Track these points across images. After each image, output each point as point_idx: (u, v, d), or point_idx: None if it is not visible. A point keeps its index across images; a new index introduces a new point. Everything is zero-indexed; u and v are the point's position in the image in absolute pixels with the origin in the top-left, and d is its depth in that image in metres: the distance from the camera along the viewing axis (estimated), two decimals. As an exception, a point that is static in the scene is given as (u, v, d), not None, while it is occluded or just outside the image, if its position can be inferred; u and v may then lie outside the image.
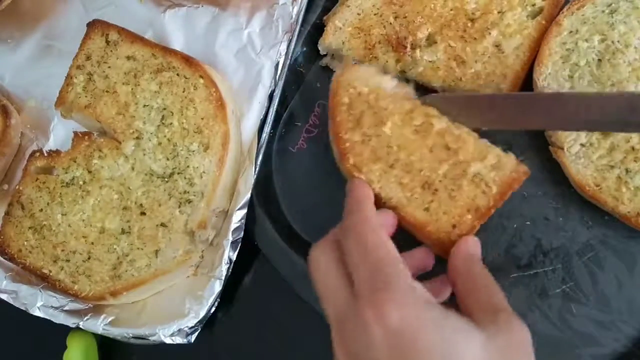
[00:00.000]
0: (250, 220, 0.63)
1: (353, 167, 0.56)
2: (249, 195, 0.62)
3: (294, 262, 0.62)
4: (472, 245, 0.51)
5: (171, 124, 0.64)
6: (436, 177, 0.55)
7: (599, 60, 0.59)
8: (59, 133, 0.71)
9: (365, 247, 0.45)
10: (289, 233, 0.64)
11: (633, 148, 0.56)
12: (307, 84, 0.69)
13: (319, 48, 0.68)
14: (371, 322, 0.40)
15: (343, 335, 0.42)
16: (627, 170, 0.56)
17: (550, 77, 0.60)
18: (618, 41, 0.59)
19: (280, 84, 0.66)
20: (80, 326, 0.62)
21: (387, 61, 0.64)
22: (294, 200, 0.65)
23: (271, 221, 0.64)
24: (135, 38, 0.67)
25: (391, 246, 0.46)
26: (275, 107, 0.65)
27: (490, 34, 0.63)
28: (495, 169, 0.55)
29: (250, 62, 0.68)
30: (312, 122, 0.67)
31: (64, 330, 0.64)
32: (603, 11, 0.60)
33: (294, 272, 0.61)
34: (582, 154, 0.58)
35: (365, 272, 0.43)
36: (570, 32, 0.61)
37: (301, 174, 0.66)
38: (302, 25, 0.67)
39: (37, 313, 0.63)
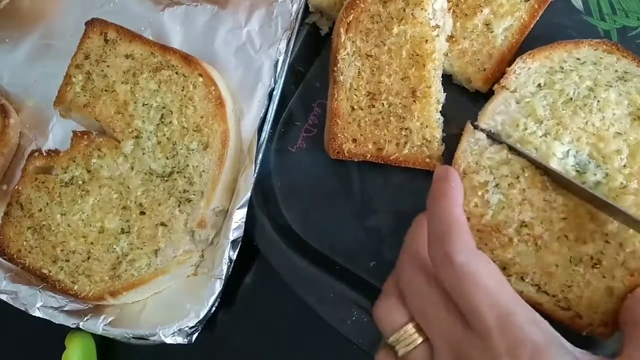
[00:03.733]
0: (249, 220, 0.62)
1: None
2: (249, 194, 0.61)
3: (294, 262, 0.62)
4: None
5: (170, 122, 0.64)
6: (385, 96, 0.60)
7: (570, 99, 0.58)
8: (58, 132, 0.71)
9: (486, 290, 0.41)
10: (288, 233, 0.63)
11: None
12: (306, 83, 0.68)
13: (309, 4, 0.67)
14: None
15: None
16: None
17: (524, 73, 0.59)
18: (599, 101, 0.57)
19: (280, 82, 0.65)
20: (80, 326, 0.61)
21: None
22: (293, 200, 0.65)
23: (270, 221, 0.63)
24: (133, 37, 0.67)
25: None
26: (275, 105, 0.65)
27: (482, 11, 0.63)
28: (423, 140, 0.60)
29: (249, 60, 0.68)
30: (312, 121, 0.67)
31: (64, 330, 0.64)
32: (616, 70, 0.58)
33: (293, 272, 0.61)
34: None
35: (491, 318, 0.40)
36: (578, 59, 0.60)
37: (300, 174, 0.65)
38: (301, 24, 0.67)
39: (37, 313, 0.63)
